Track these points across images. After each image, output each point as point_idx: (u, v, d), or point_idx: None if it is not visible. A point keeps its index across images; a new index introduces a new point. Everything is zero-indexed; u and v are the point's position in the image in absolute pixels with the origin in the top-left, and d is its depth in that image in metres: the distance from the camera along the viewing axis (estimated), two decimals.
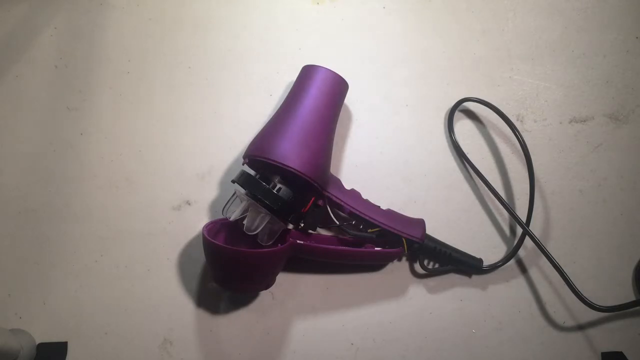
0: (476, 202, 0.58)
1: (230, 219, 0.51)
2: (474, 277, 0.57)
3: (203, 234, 0.50)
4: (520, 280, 0.57)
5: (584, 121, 0.60)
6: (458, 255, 0.55)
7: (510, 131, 0.56)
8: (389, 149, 0.59)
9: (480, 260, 0.56)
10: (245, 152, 0.51)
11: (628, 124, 0.59)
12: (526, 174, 0.56)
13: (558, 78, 0.60)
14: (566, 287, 0.54)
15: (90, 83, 0.58)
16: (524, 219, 0.56)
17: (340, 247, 0.54)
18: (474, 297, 0.57)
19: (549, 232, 0.58)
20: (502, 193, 0.58)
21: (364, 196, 0.55)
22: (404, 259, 0.57)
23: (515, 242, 0.56)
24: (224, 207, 0.52)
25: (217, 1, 0.60)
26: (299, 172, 0.48)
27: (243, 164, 0.51)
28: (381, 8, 0.61)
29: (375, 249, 0.54)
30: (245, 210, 0.51)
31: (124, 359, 0.55)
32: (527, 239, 0.55)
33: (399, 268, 0.57)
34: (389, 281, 0.57)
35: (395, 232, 0.53)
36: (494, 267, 0.56)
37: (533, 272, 0.57)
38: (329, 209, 0.53)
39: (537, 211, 0.58)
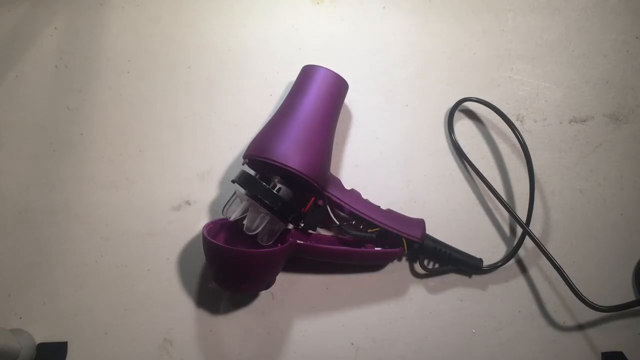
0: (476, 202, 0.58)
1: (230, 219, 0.51)
2: (474, 277, 0.57)
3: (203, 234, 0.50)
4: (520, 280, 0.57)
5: (584, 121, 0.60)
6: (458, 255, 0.55)
7: (510, 131, 0.56)
8: (389, 149, 0.59)
9: (480, 260, 0.56)
10: (245, 152, 0.51)
11: (628, 124, 0.59)
12: (526, 174, 0.56)
13: (558, 78, 0.60)
14: (566, 287, 0.54)
15: (90, 83, 0.58)
16: (524, 219, 0.56)
17: (340, 247, 0.54)
18: (474, 297, 0.57)
19: (549, 232, 0.58)
20: (502, 193, 0.58)
21: (364, 196, 0.55)
22: (404, 259, 0.57)
23: (515, 242, 0.56)
24: (224, 207, 0.52)
25: (216, 1, 0.60)
26: (299, 172, 0.48)
27: (243, 164, 0.51)
28: (381, 8, 0.61)
29: (375, 249, 0.54)
30: (245, 210, 0.51)
31: (124, 359, 0.55)
32: (527, 239, 0.55)
33: (399, 268, 0.57)
34: (389, 281, 0.57)
35: (395, 232, 0.53)
36: (494, 267, 0.56)
37: (533, 272, 0.57)
38: (329, 209, 0.53)
39: (537, 211, 0.58)
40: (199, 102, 0.58)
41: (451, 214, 0.58)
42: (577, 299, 0.54)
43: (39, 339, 0.54)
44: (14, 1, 0.59)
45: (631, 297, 0.57)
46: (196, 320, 0.56)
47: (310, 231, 0.54)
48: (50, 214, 0.56)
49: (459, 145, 0.58)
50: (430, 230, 0.55)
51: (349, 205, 0.52)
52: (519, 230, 0.57)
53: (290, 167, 0.48)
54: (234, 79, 0.59)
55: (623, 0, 0.61)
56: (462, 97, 0.58)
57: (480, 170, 0.57)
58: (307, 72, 0.53)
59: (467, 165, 0.58)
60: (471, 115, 0.60)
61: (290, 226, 0.54)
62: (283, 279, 0.56)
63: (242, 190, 0.51)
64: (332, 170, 0.54)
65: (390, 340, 0.56)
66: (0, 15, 0.59)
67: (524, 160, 0.56)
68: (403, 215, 0.55)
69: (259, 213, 0.50)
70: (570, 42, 0.61)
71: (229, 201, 0.52)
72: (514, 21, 0.61)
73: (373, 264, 0.57)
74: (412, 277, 0.57)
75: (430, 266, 0.57)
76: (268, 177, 0.50)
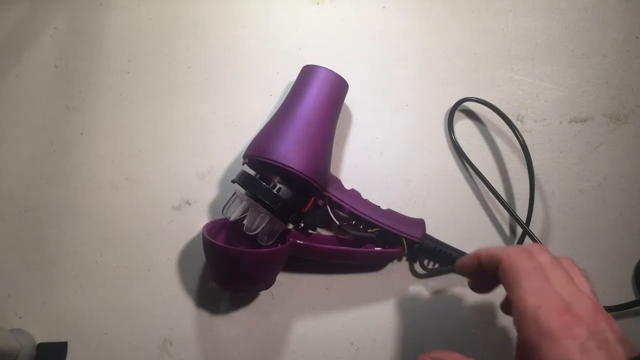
0: (476, 202, 0.58)
1: (230, 219, 0.51)
2: None
3: (203, 234, 0.50)
4: None
5: (584, 121, 0.60)
6: (458, 255, 0.55)
7: (510, 131, 0.56)
8: (389, 149, 0.59)
9: None
10: (245, 152, 0.51)
11: (628, 124, 0.59)
12: (526, 174, 0.56)
13: (558, 78, 0.60)
14: None
15: (90, 83, 0.58)
16: (524, 219, 0.56)
17: (340, 247, 0.54)
18: (474, 297, 0.57)
19: (549, 232, 0.58)
20: (502, 193, 0.58)
21: (364, 196, 0.55)
22: (404, 259, 0.57)
23: (516, 242, 0.56)
24: (224, 207, 0.52)
25: (217, 1, 0.60)
26: (299, 172, 0.48)
27: (243, 164, 0.51)
28: (381, 8, 0.61)
29: (375, 249, 0.54)
30: (245, 210, 0.51)
31: (124, 359, 0.55)
32: (527, 239, 0.55)
33: (399, 268, 0.57)
34: (389, 281, 0.57)
35: (395, 232, 0.53)
36: None
37: None
38: (329, 209, 0.53)
39: (537, 211, 0.58)
40: (198, 102, 0.58)
41: (451, 214, 0.58)
42: None
43: (39, 339, 0.54)
44: (14, 1, 0.59)
45: (631, 297, 0.57)
46: (196, 320, 0.56)
47: (310, 231, 0.54)
48: (50, 214, 0.56)
49: (459, 145, 0.58)
50: (430, 230, 0.55)
51: (349, 205, 0.52)
52: (519, 230, 0.57)
53: (290, 167, 0.48)
54: (234, 79, 0.59)
55: (623, 0, 0.61)
56: (462, 97, 0.58)
57: (480, 170, 0.57)
58: (307, 72, 0.53)
59: (467, 165, 0.58)
60: (471, 115, 0.60)
61: (290, 226, 0.54)
62: (283, 279, 0.56)
63: (242, 190, 0.51)
64: (332, 170, 0.54)
65: (390, 340, 0.56)
66: (0, 15, 0.59)
67: (524, 160, 0.56)
68: (403, 215, 0.55)
69: (259, 213, 0.50)
70: (570, 42, 0.61)
71: (229, 201, 0.52)
72: (514, 21, 0.61)
73: (373, 264, 0.57)
74: (412, 277, 0.57)
75: (430, 266, 0.56)
76: (268, 177, 0.50)
